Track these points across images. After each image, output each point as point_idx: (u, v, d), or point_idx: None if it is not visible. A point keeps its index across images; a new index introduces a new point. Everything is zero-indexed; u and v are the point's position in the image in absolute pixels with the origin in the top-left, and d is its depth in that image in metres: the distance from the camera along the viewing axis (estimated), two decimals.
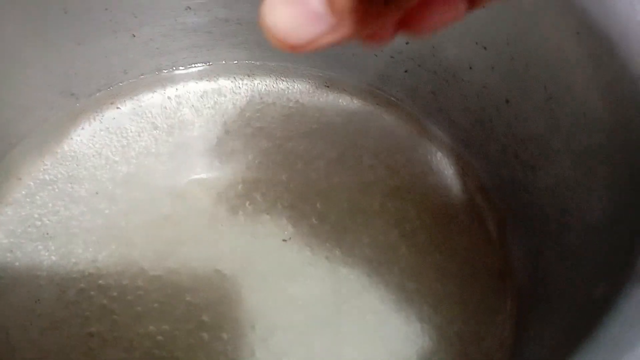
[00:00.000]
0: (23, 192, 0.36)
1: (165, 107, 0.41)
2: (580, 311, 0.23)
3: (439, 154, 0.39)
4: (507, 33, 0.30)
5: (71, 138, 0.39)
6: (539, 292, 0.29)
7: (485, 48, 0.32)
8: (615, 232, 0.22)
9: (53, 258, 0.33)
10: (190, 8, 0.39)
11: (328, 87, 0.43)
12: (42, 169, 0.37)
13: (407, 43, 0.37)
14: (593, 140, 0.25)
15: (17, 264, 0.33)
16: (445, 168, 0.38)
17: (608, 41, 0.23)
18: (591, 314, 0.20)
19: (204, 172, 0.38)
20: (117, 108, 0.41)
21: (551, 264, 0.29)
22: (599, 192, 0.24)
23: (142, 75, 0.42)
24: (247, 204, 0.37)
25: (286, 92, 0.43)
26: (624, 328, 0.17)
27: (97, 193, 0.36)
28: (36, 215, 0.35)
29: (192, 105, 0.42)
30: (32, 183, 0.36)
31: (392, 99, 0.41)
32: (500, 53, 0.31)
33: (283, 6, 0.15)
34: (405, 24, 0.16)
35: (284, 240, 0.34)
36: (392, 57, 0.39)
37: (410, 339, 0.31)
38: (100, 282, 0.32)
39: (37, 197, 0.36)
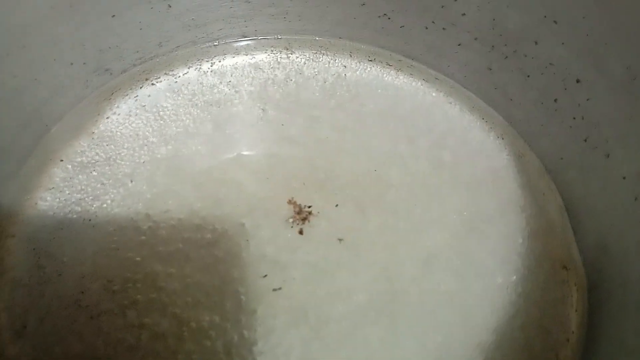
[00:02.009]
0: (62, 176, 0.35)
1: (202, 83, 0.39)
2: None
3: (493, 134, 0.37)
4: (584, 6, 0.27)
5: (107, 117, 0.37)
6: (610, 288, 0.28)
7: (555, 22, 0.29)
8: None
9: (95, 246, 0.32)
10: None
11: (372, 61, 0.40)
12: (79, 151, 0.36)
13: (463, 14, 0.34)
14: None
15: (59, 253, 0.31)
16: (500, 150, 0.36)
17: None
18: None
19: (245, 152, 0.36)
20: (152, 84, 0.39)
21: (625, 261, 0.27)
22: None
23: (177, 49, 0.40)
24: (292, 185, 0.35)
25: (327, 66, 0.40)
26: None
27: (136, 175, 0.35)
28: (76, 201, 0.34)
29: (229, 82, 0.39)
30: (69, 166, 0.35)
31: (442, 74, 0.39)
32: (575, 27, 0.28)
33: None
34: None
35: (333, 226, 0.33)
36: (444, 28, 0.36)
37: (469, 330, 0.30)
38: (146, 270, 0.31)
39: (76, 181, 0.34)
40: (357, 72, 0.40)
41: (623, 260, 0.28)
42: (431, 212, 0.34)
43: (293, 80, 0.40)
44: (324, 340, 0.29)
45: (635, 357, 0.24)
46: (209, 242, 0.32)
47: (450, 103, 0.39)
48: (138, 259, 0.31)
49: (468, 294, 0.31)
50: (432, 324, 0.30)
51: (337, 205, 0.33)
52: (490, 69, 0.35)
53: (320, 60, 0.41)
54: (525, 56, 0.32)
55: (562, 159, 0.33)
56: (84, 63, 0.36)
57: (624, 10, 0.25)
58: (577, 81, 0.29)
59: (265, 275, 0.31)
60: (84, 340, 0.29)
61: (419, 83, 0.40)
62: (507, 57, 0.33)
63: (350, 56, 0.41)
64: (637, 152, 0.27)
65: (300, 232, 0.32)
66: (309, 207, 0.33)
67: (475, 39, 0.35)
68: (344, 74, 0.40)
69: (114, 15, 0.35)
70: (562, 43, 0.29)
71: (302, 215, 0.33)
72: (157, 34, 0.38)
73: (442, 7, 0.34)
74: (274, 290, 0.30)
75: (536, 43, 0.31)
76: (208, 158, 0.36)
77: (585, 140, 0.30)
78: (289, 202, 0.33)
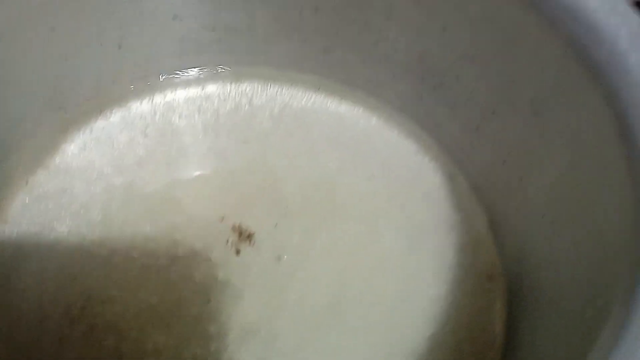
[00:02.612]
0: (18, 209, 0.36)
1: (154, 115, 0.41)
2: (573, 326, 0.24)
3: (427, 157, 0.40)
4: (494, 48, 0.31)
5: (62, 150, 0.39)
6: (528, 295, 0.31)
7: (472, 61, 0.33)
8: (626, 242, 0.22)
9: (53, 275, 0.33)
10: (177, 16, 0.39)
11: (317, 90, 0.43)
12: (35, 184, 0.37)
13: (394, 50, 0.38)
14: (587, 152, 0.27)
15: (19, 285, 0.33)
16: (435, 171, 0.40)
17: (595, 65, 0.24)
18: (586, 331, 0.21)
19: (197, 180, 0.39)
20: (107, 118, 0.41)
21: (538, 270, 0.31)
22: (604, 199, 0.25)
23: (130, 82, 0.42)
24: (240, 211, 0.37)
25: (275, 96, 0.43)
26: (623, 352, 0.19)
27: (91, 205, 0.37)
28: (33, 233, 0.35)
29: (181, 112, 0.42)
30: (27, 198, 0.37)
31: (382, 102, 0.42)
32: (487, 66, 0.32)
33: None
34: None
35: (282, 247, 0.35)
36: (379, 62, 0.39)
37: (405, 336, 0.33)
38: (103, 297, 0.33)
39: (33, 213, 0.36)
40: (303, 101, 0.43)
41: (537, 270, 0.31)
42: (371, 230, 0.36)
43: (243, 109, 0.42)
44: (276, 353, 0.32)
45: (547, 356, 0.27)
46: (162, 266, 0.34)
47: (389, 129, 0.42)
48: (95, 285, 0.33)
49: (405, 304, 0.34)
50: (374, 333, 0.33)
51: (276, 226, 0.36)
52: (422, 98, 0.39)
53: (268, 90, 0.44)
54: (450, 89, 0.35)
55: (486, 180, 0.36)
56: (37, 100, 0.37)
57: (527, 53, 0.28)
58: (493, 112, 0.33)
59: (213, 299, 0.33)
60: None
61: (360, 110, 0.43)
62: (434, 88, 0.37)
63: (296, 86, 0.43)
64: (544, 177, 0.30)
65: (237, 253, 0.35)
66: (251, 232, 0.36)
67: (407, 71, 0.38)
68: (291, 103, 0.43)
69: (66, 59, 0.37)
70: (478, 79, 0.33)
71: (244, 236, 0.35)
72: (110, 72, 0.40)
73: (376, 44, 0.37)
74: (225, 310, 0.33)
75: (457, 78, 0.34)
76: (161, 186, 0.38)
77: (503, 163, 0.34)
78: (235, 226, 0.36)
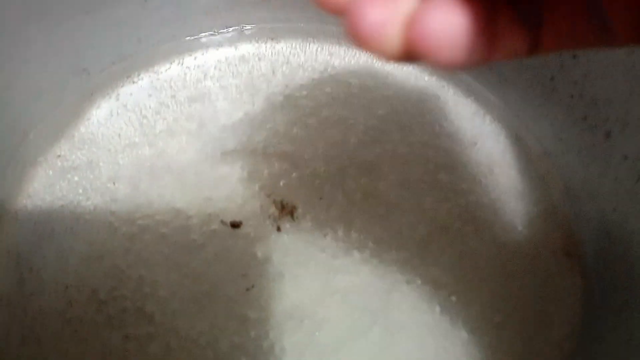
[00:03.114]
0: (42, 183, 0.33)
1: (185, 79, 0.38)
2: None
3: (489, 118, 0.35)
4: None
5: (88, 119, 0.36)
6: (618, 278, 0.26)
7: None
8: None
9: (79, 255, 0.31)
10: None
11: None
12: (59, 156, 0.34)
13: None
14: None
15: (42, 264, 0.30)
16: (497, 133, 0.35)
17: None
18: None
19: (231, 149, 0.35)
20: (134, 82, 0.37)
21: (629, 246, 0.26)
22: None
23: (157, 44, 0.38)
24: (281, 183, 0.34)
25: (315, 55, 0.39)
26: None
27: (118, 179, 0.34)
28: (57, 208, 0.32)
29: (214, 75, 0.38)
30: (50, 172, 0.34)
31: None
32: None
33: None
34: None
35: (327, 223, 0.32)
36: None
37: (469, 325, 0.29)
38: (132, 278, 0.30)
39: (57, 188, 0.33)
40: (346, 60, 0.39)
41: (626, 245, 0.26)
42: (425, 201, 0.32)
43: (280, 70, 0.38)
44: (319, 345, 0.28)
45: (636, 352, 0.23)
46: (196, 245, 0.31)
47: (443, 87, 0.37)
48: (123, 266, 0.30)
49: (464, 286, 0.30)
50: (426, 324, 0.29)
51: (320, 199, 0.32)
52: None
53: (307, 49, 0.39)
54: None
55: (561, 140, 0.31)
56: (60, 64, 0.34)
57: None
58: (574, 57, 0.28)
59: (252, 280, 0.30)
60: (70, 356, 0.28)
61: (410, 68, 0.38)
62: None
63: (338, 43, 0.39)
64: (637, 131, 0.25)
65: (279, 229, 0.31)
66: (294, 205, 0.32)
67: None
68: (332, 62, 0.39)
69: (87, 12, 0.33)
70: None
71: (285, 211, 0.32)
72: (135, 30, 0.37)
73: None
74: (265, 293, 0.29)
75: None
76: (193, 156, 0.35)
77: (584, 119, 0.29)
78: (274, 200, 0.32)
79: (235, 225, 0.31)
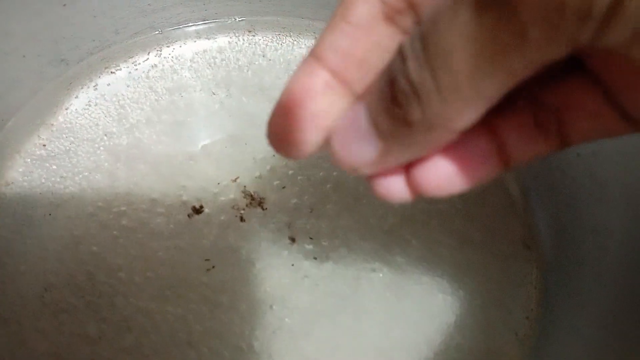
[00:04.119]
0: (20, 171, 0.34)
1: (163, 70, 0.39)
2: (627, 305, 0.21)
3: None
4: None
5: (66, 109, 0.37)
6: (569, 267, 0.28)
7: None
8: None
9: (57, 241, 0.32)
10: None
11: None
12: (38, 144, 0.35)
13: None
14: None
15: (21, 249, 0.31)
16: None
17: None
18: (637, 313, 0.18)
19: (208, 139, 0.36)
20: (112, 73, 0.38)
21: (581, 239, 0.27)
22: None
23: (135, 35, 0.39)
24: (256, 174, 0.35)
25: (290, 48, 0.40)
26: None
27: (96, 167, 0.34)
28: (36, 196, 0.33)
29: (191, 67, 0.39)
30: (28, 160, 0.35)
31: None
32: None
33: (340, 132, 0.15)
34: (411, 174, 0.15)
35: (297, 213, 0.33)
36: None
37: (432, 312, 0.30)
38: (109, 264, 0.31)
39: (36, 176, 0.34)
40: None
41: (579, 238, 0.28)
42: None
43: (256, 63, 0.39)
44: (288, 330, 0.29)
45: (588, 339, 0.25)
46: (171, 232, 0.32)
47: None
48: (100, 252, 0.31)
49: (428, 274, 0.31)
50: (393, 311, 0.31)
51: (293, 189, 0.33)
52: None
53: (284, 42, 0.40)
54: None
55: None
56: (38, 55, 0.35)
57: None
58: None
59: (225, 267, 0.31)
60: (48, 337, 0.29)
61: None
62: None
63: (314, 37, 0.40)
64: None
65: (248, 218, 0.32)
66: (265, 196, 0.33)
67: None
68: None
69: (64, 5, 0.34)
70: None
71: (257, 201, 0.33)
72: (113, 21, 0.37)
73: None
74: (237, 280, 0.31)
75: None
76: (170, 147, 0.36)
77: None
78: (247, 191, 0.33)
79: (197, 210, 0.32)
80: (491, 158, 0.15)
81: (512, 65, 0.12)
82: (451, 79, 0.12)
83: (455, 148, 0.14)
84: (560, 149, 0.15)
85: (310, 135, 0.15)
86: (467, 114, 0.13)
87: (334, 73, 0.14)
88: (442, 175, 0.15)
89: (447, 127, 0.13)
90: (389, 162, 0.15)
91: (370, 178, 0.15)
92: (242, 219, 0.32)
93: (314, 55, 0.15)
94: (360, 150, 0.14)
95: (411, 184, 0.15)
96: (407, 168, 0.15)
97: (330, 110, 0.15)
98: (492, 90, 0.12)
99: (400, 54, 0.13)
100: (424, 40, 0.12)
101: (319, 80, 0.14)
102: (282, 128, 0.15)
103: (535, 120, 0.15)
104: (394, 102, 0.13)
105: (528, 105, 0.15)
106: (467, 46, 0.12)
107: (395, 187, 0.15)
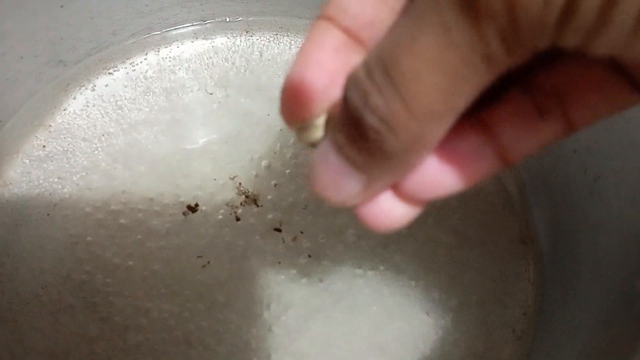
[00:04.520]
0: (18, 171, 0.34)
1: (160, 70, 0.39)
2: (617, 299, 0.21)
3: None
4: None
5: (64, 109, 0.37)
6: (565, 263, 0.28)
7: None
8: None
9: (55, 241, 0.32)
10: None
11: None
12: (36, 145, 0.35)
13: None
14: None
15: (19, 249, 0.31)
16: None
17: None
18: (634, 307, 0.18)
19: (205, 139, 0.36)
20: (109, 73, 0.38)
21: (575, 233, 0.27)
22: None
23: (132, 36, 0.39)
24: (252, 173, 0.35)
25: (287, 48, 0.40)
26: None
27: (94, 167, 0.35)
28: (34, 196, 0.33)
29: (188, 67, 0.39)
30: (27, 161, 0.35)
31: None
32: None
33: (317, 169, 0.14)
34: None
35: (294, 211, 0.33)
36: None
37: (428, 308, 0.30)
38: (106, 263, 0.31)
39: (34, 176, 0.34)
40: None
41: (574, 234, 0.28)
42: None
43: (254, 63, 0.39)
44: (284, 327, 0.29)
45: (584, 334, 0.25)
46: (168, 231, 0.32)
47: None
48: (97, 252, 0.31)
49: (426, 271, 0.31)
50: (389, 308, 0.31)
51: (290, 187, 0.33)
52: None
53: (281, 41, 0.40)
54: None
55: None
56: (36, 56, 0.35)
57: None
58: None
59: (221, 265, 0.31)
60: (46, 336, 0.29)
61: None
62: None
63: None
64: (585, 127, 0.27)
65: (244, 217, 0.32)
66: (263, 194, 0.33)
67: None
68: None
69: (62, 6, 0.34)
70: None
71: (252, 200, 0.33)
72: (110, 22, 0.37)
73: None
74: (233, 278, 0.31)
75: None
76: (167, 147, 0.36)
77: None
78: (243, 190, 0.33)
79: (194, 209, 0.33)
80: (486, 154, 0.14)
81: (481, 77, 0.12)
82: (423, 103, 0.12)
83: (446, 148, 0.14)
84: (567, 135, 0.14)
85: (328, 90, 0.14)
86: (443, 127, 0.13)
87: (347, 31, 0.14)
88: (436, 177, 0.14)
89: (424, 145, 0.13)
90: (376, 188, 0.14)
91: (359, 212, 0.15)
92: (238, 218, 0.33)
93: (324, 16, 0.14)
94: (344, 187, 0.14)
95: (404, 195, 0.15)
96: (394, 185, 0.15)
97: (348, 66, 0.14)
98: (464, 101, 0.12)
99: (359, 90, 0.13)
100: (386, 71, 0.12)
101: (334, 38, 0.14)
102: (297, 89, 0.14)
103: (536, 106, 0.14)
104: (363, 138, 0.13)
105: (524, 93, 0.14)
106: (435, 69, 0.12)
107: (387, 210, 0.15)
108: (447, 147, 0.14)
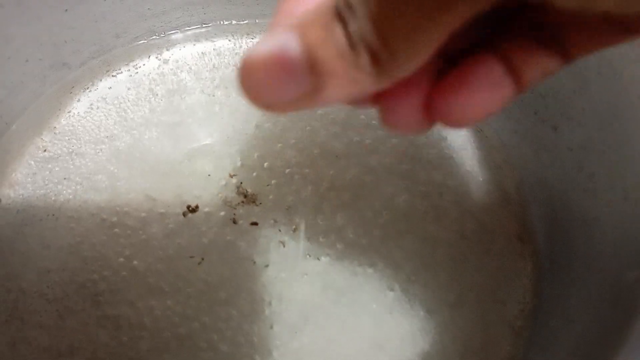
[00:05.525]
0: (24, 172, 0.35)
1: (163, 73, 0.39)
2: (612, 292, 0.22)
3: None
4: None
5: (68, 112, 0.37)
6: (561, 258, 0.28)
7: None
8: None
9: (60, 241, 0.32)
10: None
11: None
12: (41, 147, 0.36)
13: None
14: (622, 100, 0.24)
15: (25, 249, 0.32)
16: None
17: None
18: (627, 298, 0.19)
19: (208, 140, 0.37)
20: (113, 76, 0.39)
21: (576, 230, 0.28)
22: (633, 156, 0.22)
23: (135, 39, 0.40)
24: (253, 174, 0.35)
25: None
26: None
27: (99, 169, 0.35)
28: (39, 196, 0.34)
29: (191, 69, 0.40)
30: (32, 162, 0.35)
31: None
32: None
33: (261, 63, 0.13)
34: (433, 107, 0.15)
35: (294, 210, 0.33)
36: None
37: (427, 305, 0.31)
38: (110, 263, 0.32)
39: (39, 177, 0.35)
40: None
41: (570, 231, 0.28)
42: (388, 189, 0.34)
43: None
44: (285, 324, 0.30)
45: (582, 330, 0.25)
46: (171, 231, 0.33)
47: None
48: (102, 251, 0.32)
49: (424, 268, 0.32)
50: (388, 307, 0.31)
51: (290, 187, 0.34)
52: None
53: None
54: None
55: (516, 132, 0.33)
56: (40, 59, 0.36)
57: None
58: None
59: (223, 263, 0.32)
60: (51, 334, 0.29)
61: None
62: None
63: None
64: (580, 125, 0.27)
65: (246, 217, 0.33)
66: (263, 194, 0.34)
67: None
68: None
69: (66, 10, 0.35)
70: None
71: (252, 200, 0.33)
72: (113, 26, 0.38)
73: None
74: (235, 276, 0.31)
75: None
76: (170, 148, 0.36)
77: (535, 114, 0.31)
78: (244, 190, 0.34)
79: (196, 209, 0.33)
80: (506, 80, 0.15)
81: (457, 12, 0.12)
82: (399, 37, 0.12)
83: (471, 74, 0.15)
84: (567, 64, 0.16)
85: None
86: (415, 61, 0.13)
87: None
88: (466, 101, 0.15)
89: (396, 75, 0.13)
90: (315, 101, 0.14)
91: (380, 106, 0.15)
92: (239, 217, 0.33)
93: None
94: (284, 86, 0.13)
95: (433, 113, 0.15)
96: (427, 97, 0.15)
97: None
98: (439, 36, 0.13)
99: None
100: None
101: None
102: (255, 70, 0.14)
103: (537, 39, 0.15)
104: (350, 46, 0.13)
105: (528, 27, 0.15)
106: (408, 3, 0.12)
107: (413, 117, 0.15)
108: (479, 75, 0.15)
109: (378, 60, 0.13)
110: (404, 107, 0.15)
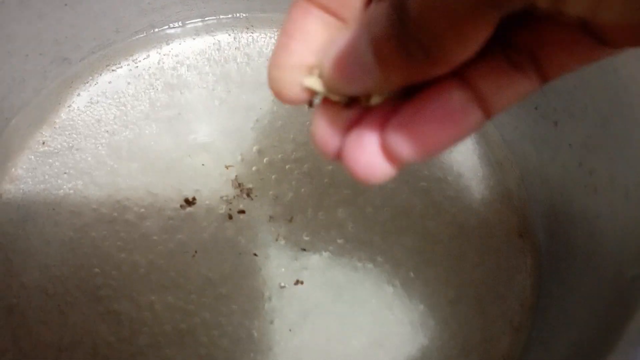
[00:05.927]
0: (24, 167, 0.35)
1: (162, 67, 0.39)
2: (611, 288, 0.22)
3: None
4: None
5: (68, 106, 0.37)
6: (561, 255, 0.29)
7: None
8: None
9: (61, 236, 0.32)
10: None
11: None
12: (41, 142, 0.36)
13: None
14: (623, 97, 0.24)
15: (26, 244, 0.32)
16: None
17: None
18: (626, 294, 0.19)
19: (207, 136, 0.37)
20: (113, 71, 0.39)
21: (571, 226, 0.28)
22: (634, 153, 0.22)
23: (135, 34, 0.39)
24: (253, 169, 0.35)
25: None
26: None
27: (99, 163, 0.35)
28: (40, 191, 0.34)
29: (190, 64, 0.39)
30: (32, 157, 0.35)
31: None
32: None
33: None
34: (388, 144, 0.15)
35: (295, 206, 0.34)
36: None
37: (427, 301, 0.31)
38: (111, 258, 0.32)
39: (39, 172, 0.35)
40: None
41: (570, 227, 0.28)
42: (388, 185, 0.34)
43: (255, 60, 0.40)
44: (285, 319, 0.30)
45: (581, 325, 0.25)
46: (171, 226, 0.33)
47: None
48: (102, 246, 0.32)
49: (424, 263, 0.32)
50: (388, 301, 0.31)
51: (290, 182, 0.34)
52: None
53: None
54: None
55: (516, 128, 0.33)
56: (41, 54, 0.36)
57: None
58: None
59: (224, 257, 0.32)
60: (52, 329, 0.30)
61: None
62: None
63: None
64: (580, 121, 0.27)
65: (244, 210, 0.33)
66: (264, 190, 0.34)
67: None
68: None
69: (66, 4, 0.35)
70: None
71: (254, 195, 0.33)
72: (113, 20, 0.38)
73: None
74: (238, 271, 0.31)
75: None
76: (169, 142, 0.36)
77: (536, 109, 0.31)
78: (244, 185, 0.34)
79: (196, 204, 0.33)
80: (469, 108, 0.15)
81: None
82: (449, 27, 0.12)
83: (430, 105, 0.15)
84: (541, 86, 0.15)
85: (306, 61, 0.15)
86: (468, 48, 0.13)
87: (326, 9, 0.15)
88: (422, 134, 0.15)
89: (450, 61, 0.13)
90: (386, 86, 0.14)
91: (345, 160, 0.16)
92: (239, 212, 0.33)
93: None
94: (358, 76, 0.14)
95: (390, 152, 0.15)
96: (382, 139, 0.15)
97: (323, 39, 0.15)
98: (490, 23, 0.12)
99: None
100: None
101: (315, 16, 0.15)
102: (282, 60, 0.15)
103: (510, 62, 0.15)
104: (405, 37, 0.13)
105: (501, 49, 0.15)
106: None
107: (373, 162, 0.15)
108: (435, 104, 0.15)
109: (429, 54, 0.13)
110: (363, 153, 0.15)
